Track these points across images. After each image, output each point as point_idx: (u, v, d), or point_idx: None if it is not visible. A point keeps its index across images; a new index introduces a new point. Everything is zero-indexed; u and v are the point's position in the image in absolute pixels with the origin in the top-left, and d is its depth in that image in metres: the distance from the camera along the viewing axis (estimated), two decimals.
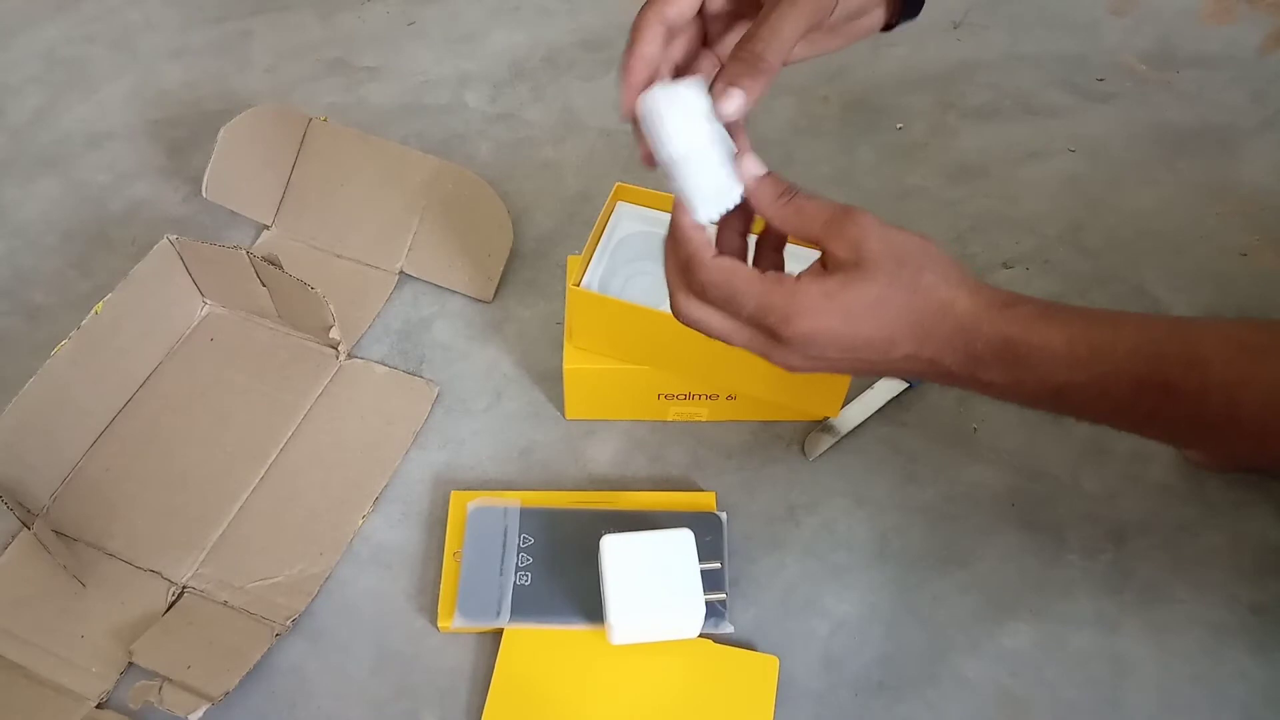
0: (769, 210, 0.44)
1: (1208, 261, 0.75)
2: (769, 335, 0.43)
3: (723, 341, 0.45)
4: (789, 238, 0.46)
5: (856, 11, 0.49)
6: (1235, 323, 0.42)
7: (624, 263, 0.63)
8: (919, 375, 0.44)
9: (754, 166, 0.44)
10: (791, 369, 0.44)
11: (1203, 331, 0.41)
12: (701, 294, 0.44)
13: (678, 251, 0.45)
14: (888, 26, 0.52)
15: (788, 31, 0.44)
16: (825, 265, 0.43)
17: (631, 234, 0.64)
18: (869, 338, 0.42)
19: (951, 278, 0.42)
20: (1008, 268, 0.75)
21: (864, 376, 0.44)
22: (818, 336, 0.42)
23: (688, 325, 0.46)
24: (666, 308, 0.49)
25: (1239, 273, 0.74)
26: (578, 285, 0.60)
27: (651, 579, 0.54)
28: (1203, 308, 0.72)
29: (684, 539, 0.56)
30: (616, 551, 0.55)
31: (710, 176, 0.43)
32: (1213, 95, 0.86)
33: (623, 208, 0.64)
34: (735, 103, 0.43)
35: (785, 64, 0.45)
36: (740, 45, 0.44)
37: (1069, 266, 0.75)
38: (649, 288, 0.62)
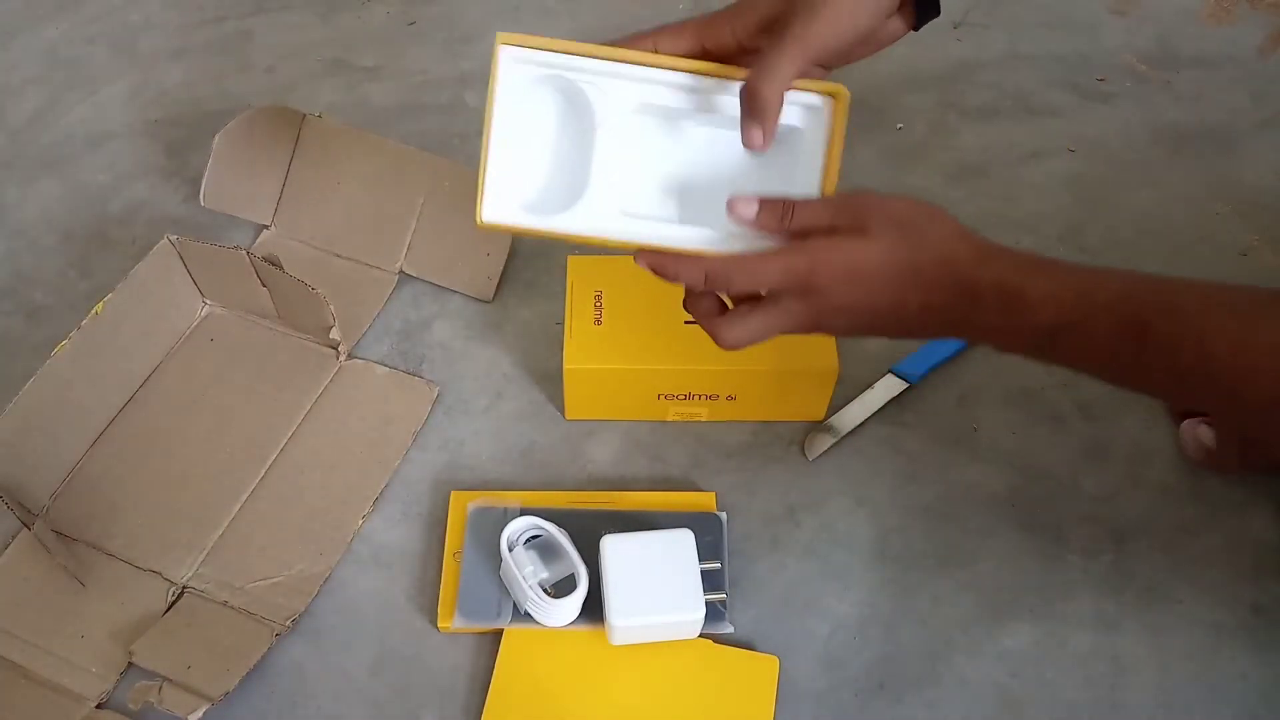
0: (778, 230, 0.48)
1: (1208, 261, 0.75)
2: (801, 292, 0.47)
3: (769, 337, 0.49)
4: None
5: (868, 32, 0.51)
6: (1212, 283, 0.44)
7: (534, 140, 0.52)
8: (926, 327, 0.47)
9: (746, 208, 0.48)
10: (837, 331, 0.50)
11: (1180, 285, 0.44)
12: (729, 285, 0.48)
13: (697, 288, 0.50)
14: (914, 28, 0.54)
15: (784, 71, 0.47)
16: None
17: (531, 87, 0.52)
18: (880, 291, 0.46)
19: (951, 234, 0.47)
20: None
21: (880, 330, 0.48)
22: (837, 285, 0.46)
23: (736, 348, 0.49)
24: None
25: (1239, 273, 0.74)
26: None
27: (652, 579, 0.54)
28: None
29: (684, 539, 0.56)
30: (616, 551, 0.55)
31: None
32: (1213, 95, 0.86)
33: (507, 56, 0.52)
34: (755, 141, 0.48)
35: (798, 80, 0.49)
36: (744, 88, 0.48)
37: None
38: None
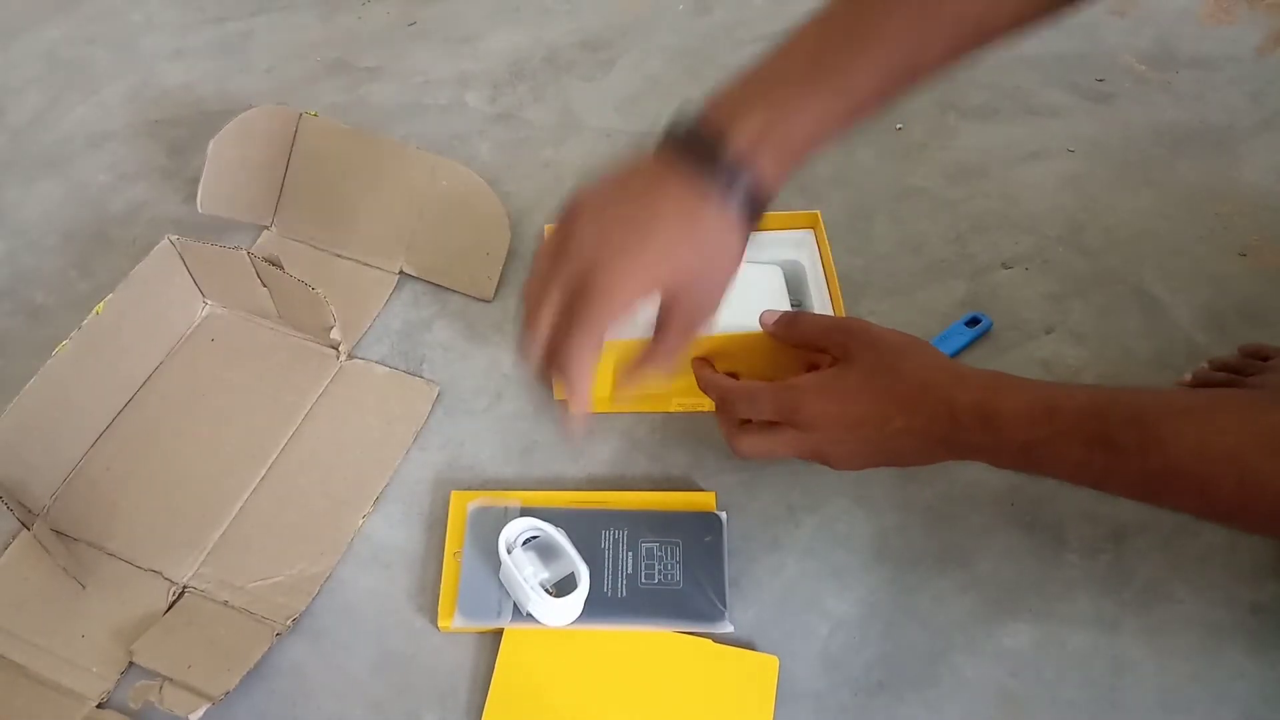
0: (778, 334, 0.57)
1: (1207, 261, 0.75)
2: (793, 423, 0.53)
3: (778, 456, 0.55)
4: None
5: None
6: (1173, 390, 0.49)
7: None
8: (919, 451, 0.51)
9: (769, 316, 0.58)
10: (842, 460, 0.53)
11: (1142, 395, 0.47)
12: (734, 412, 0.56)
13: (718, 403, 0.58)
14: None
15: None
16: (822, 365, 0.55)
17: None
18: (863, 414, 0.51)
19: (930, 363, 0.52)
20: (1007, 268, 0.75)
21: (881, 461, 0.53)
22: (822, 418, 0.52)
23: (748, 458, 0.57)
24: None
25: (1238, 273, 0.74)
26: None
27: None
28: (1202, 307, 0.72)
29: (774, 274, 0.62)
30: None
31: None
32: (1212, 95, 0.86)
33: None
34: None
35: None
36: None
37: (1069, 266, 0.75)
38: None
